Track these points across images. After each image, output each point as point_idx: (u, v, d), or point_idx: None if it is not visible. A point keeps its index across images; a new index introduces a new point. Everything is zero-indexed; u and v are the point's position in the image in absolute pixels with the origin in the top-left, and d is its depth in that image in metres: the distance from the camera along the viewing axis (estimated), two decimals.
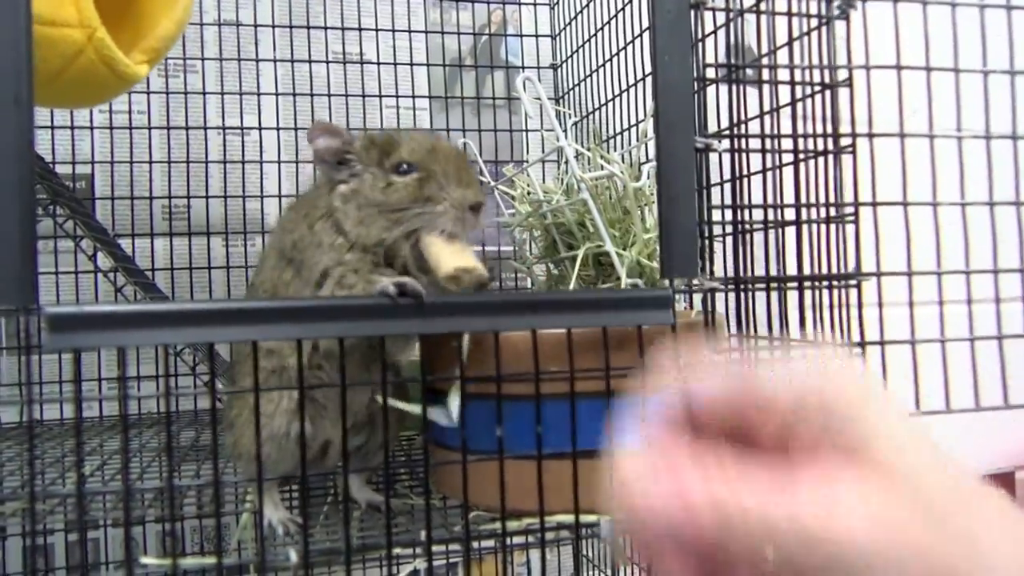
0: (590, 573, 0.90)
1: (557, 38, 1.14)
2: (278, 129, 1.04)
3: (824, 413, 0.29)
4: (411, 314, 0.44)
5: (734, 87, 0.57)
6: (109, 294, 0.91)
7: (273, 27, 1.05)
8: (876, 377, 0.34)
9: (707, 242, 0.53)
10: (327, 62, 1.07)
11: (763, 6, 0.54)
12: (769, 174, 0.56)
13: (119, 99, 0.97)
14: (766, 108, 0.57)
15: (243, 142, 1.04)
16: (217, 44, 1.03)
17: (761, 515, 0.28)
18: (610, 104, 0.97)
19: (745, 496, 0.28)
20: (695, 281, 0.51)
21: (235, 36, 1.04)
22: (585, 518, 0.48)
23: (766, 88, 0.56)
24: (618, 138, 0.96)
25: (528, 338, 0.49)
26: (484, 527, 0.48)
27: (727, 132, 0.57)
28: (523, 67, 1.15)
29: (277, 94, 1.04)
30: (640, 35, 0.88)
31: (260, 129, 1.04)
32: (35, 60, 0.47)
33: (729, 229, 0.55)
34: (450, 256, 0.52)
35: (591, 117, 1.02)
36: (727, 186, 0.55)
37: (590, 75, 1.02)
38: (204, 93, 1.01)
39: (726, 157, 0.54)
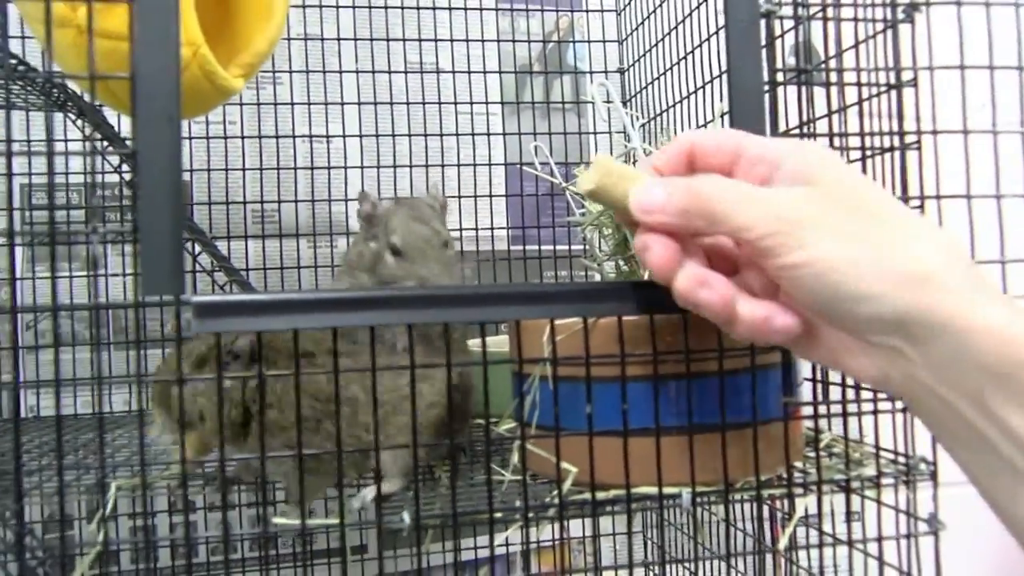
0: (673, 536, 0.93)
1: (624, 43, 1.18)
2: (360, 136, 1.10)
3: (788, 158, 0.42)
4: (507, 302, 0.49)
5: (803, 88, 0.61)
6: (210, 291, 0.98)
7: (355, 40, 1.11)
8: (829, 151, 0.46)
9: None
10: (405, 72, 1.13)
11: (830, 12, 0.57)
12: None
13: (214, 111, 1.04)
14: (834, 107, 0.61)
15: (328, 149, 1.11)
16: (302, 57, 1.10)
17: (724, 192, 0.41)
18: (677, 106, 1.00)
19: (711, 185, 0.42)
20: None
21: (318, 49, 1.11)
22: (667, 490, 0.52)
23: (834, 89, 0.59)
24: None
25: (611, 325, 0.53)
26: (574, 497, 0.53)
27: (796, 132, 0.61)
28: (591, 72, 1.20)
29: (359, 103, 1.10)
30: (707, 39, 0.92)
31: (343, 137, 1.11)
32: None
33: None
34: None
35: (658, 119, 1.06)
36: None
37: (657, 78, 1.06)
38: (292, 104, 1.08)
39: None
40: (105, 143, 0.91)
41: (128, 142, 0.95)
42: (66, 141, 0.97)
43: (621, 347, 0.52)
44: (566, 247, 1.18)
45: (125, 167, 0.93)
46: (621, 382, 0.52)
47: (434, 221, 0.77)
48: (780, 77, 0.57)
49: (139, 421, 0.45)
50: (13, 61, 0.74)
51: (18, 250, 1.03)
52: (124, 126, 0.94)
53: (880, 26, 0.57)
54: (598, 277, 1.22)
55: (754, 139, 0.44)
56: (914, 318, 0.37)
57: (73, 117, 0.89)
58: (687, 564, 0.86)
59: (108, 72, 0.48)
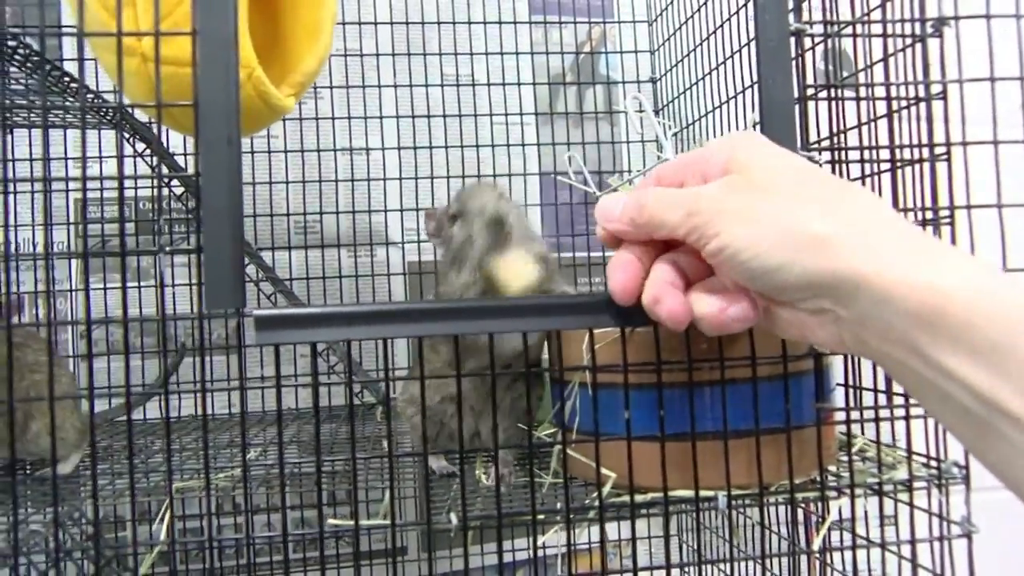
0: (708, 539, 0.95)
1: (656, 53, 1.20)
2: (399, 149, 1.14)
3: (716, 154, 0.46)
4: (549, 313, 0.51)
5: (833, 101, 0.62)
6: (255, 300, 1.02)
7: (393, 55, 1.14)
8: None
9: None
10: (441, 85, 1.16)
11: (859, 29, 0.59)
12: (868, 181, 0.61)
13: None
14: (864, 120, 0.62)
15: (367, 161, 1.14)
16: (342, 72, 1.13)
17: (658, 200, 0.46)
18: (709, 116, 1.02)
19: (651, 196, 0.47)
20: None
21: (357, 64, 1.14)
22: (704, 492, 0.54)
23: (864, 101, 0.61)
24: None
25: (648, 333, 0.55)
26: (613, 500, 0.55)
27: (827, 144, 0.62)
28: (623, 82, 1.21)
29: (398, 117, 1.13)
30: (739, 50, 0.93)
31: (383, 150, 1.14)
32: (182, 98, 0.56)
33: None
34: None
35: (691, 128, 1.08)
36: None
37: (689, 88, 1.07)
38: (333, 118, 1.11)
39: (827, 167, 0.59)
40: (155, 159, 0.95)
41: (177, 158, 0.99)
42: (120, 157, 1.01)
43: (657, 355, 0.54)
44: (600, 255, 1.20)
45: (175, 183, 0.96)
46: (658, 389, 0.54)
47: (489, 193, 0.76)
48: (810, 92, 0.59)
49: (203, 426, 0.48)
50: (66, 78, 0.78)
51: (69, 263, 1.07)
52: (173, 141, 0.98)
53: (909, 40, 0.59)
54: None
55: (701, 148, 0.49)
56: (824, 279, 0.40)
57: (128, 136, 0.93)
58: (722, 566, 0.87)
59: (169, 95, 0.51)
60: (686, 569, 0.97)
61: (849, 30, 0.63)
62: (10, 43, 0.70)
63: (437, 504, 0.60)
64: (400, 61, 1.15)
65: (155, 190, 0.98)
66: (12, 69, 0.74)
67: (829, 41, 0.59)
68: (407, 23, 1.14)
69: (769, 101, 0.57)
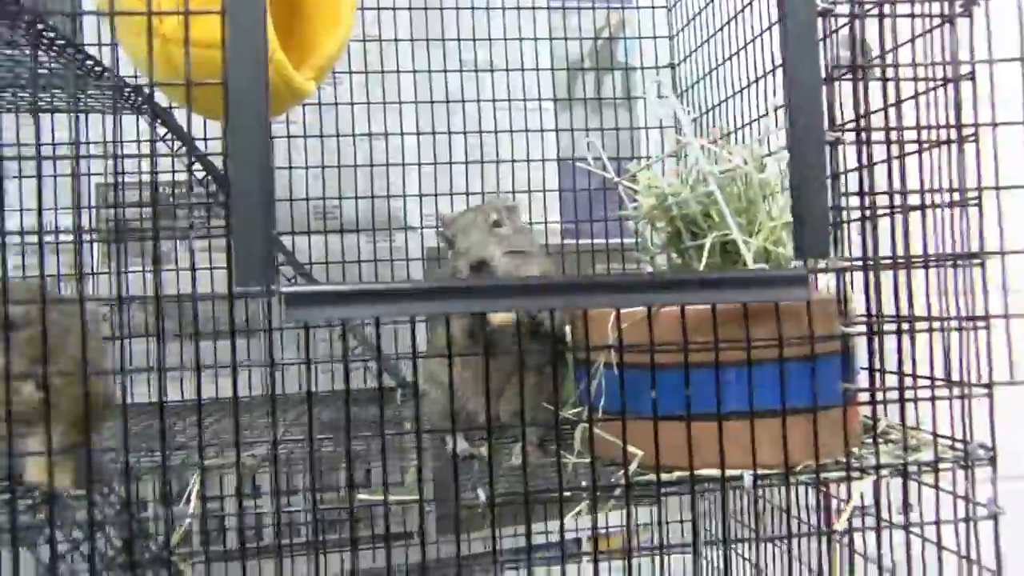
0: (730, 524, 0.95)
1: (675, 39, 1.19)
2: (418, 134, 1.14)
3: None
4: (575, 291, 0.51)
5: (859, 84, 0.62)
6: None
7: (411, 41, 1.14)
8: None
9: (838, 226, 0.58)
10: (460, 71, 1.15)
11: (887, 9, 0.58)
12: (896, 162, 0.61)
13: None
14: (891, 101, 0.62)
15: (386, 147, 1.14)
16: (360, 58, 1.13)
17: None
18: (730, 101, 1.02)
19: None
20: (827, 262, 0.56)
21: (375, 50, 1.14)
22: (729, 472, 0.54)
23: (890, 83, 0.61)
24: (738, 132, 1.01)
25: (675, 313, 0.55)
26: (639, 479, 0.55)
27: (853, 126, 0.62)
28: (642, 68, 1.21)
29: (416, 102, 1.13)
30: (761, 34, 0.93)
31: (401, 135, 1.14)
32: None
33: (857, 215, 0.60)
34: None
35: (711, 114, 1.07)
36: (855, 173, 0.60)
37: (709, 73, 1.07)
38: (352, 104, 1.12)
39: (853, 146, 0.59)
40: (179, 144, 0.95)
41: (197, 142, 1.00)
42: (152, 141, 1.01)
43: (684, 335, 0.54)
44: (617, 240, 1.19)
45: (196, 166, 0.97)
46: (684, 369, 0.54)
47: (487, 213, 0.79)
48: (836, 73, 0.58)
49: (234, 407, 0.48)
50: (89, 62, 0.78)
51: (92, 247, 1.08)
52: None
53: (937, 20, 0.59)
54: (649, 269, 1.24)
55: None
56: None
57: (148, 120, 0.93)
58: (745, 548, 0.87)
59: (193, 77, 0.52)
60: (705, 550, 0.97)
61: (875, 10, 0.62)
62: (38, 25, 0.70)
63: (464, 477, 0.60)
64: (419, 47, 1.15)
65: (185, 173, 0.99)
66: (39, 54, 0.75)
67: (855, 22, 0.59)
68: (426, 8, 1.14)
69: (796, 83, 0.56)
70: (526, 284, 0.51)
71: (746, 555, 0.94)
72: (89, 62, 0.79)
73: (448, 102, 1.14)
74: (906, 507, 0.57)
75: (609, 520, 1.11)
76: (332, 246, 1.12)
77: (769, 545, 0.87)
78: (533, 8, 1.18)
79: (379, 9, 1.12)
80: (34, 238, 0.84)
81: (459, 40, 1.14)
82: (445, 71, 1.13)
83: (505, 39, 1.15)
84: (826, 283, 0.65)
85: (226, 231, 0.49)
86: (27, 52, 0.73)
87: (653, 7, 1.21)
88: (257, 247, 0.50)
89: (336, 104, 1.11)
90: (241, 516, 0.48)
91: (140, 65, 0.73)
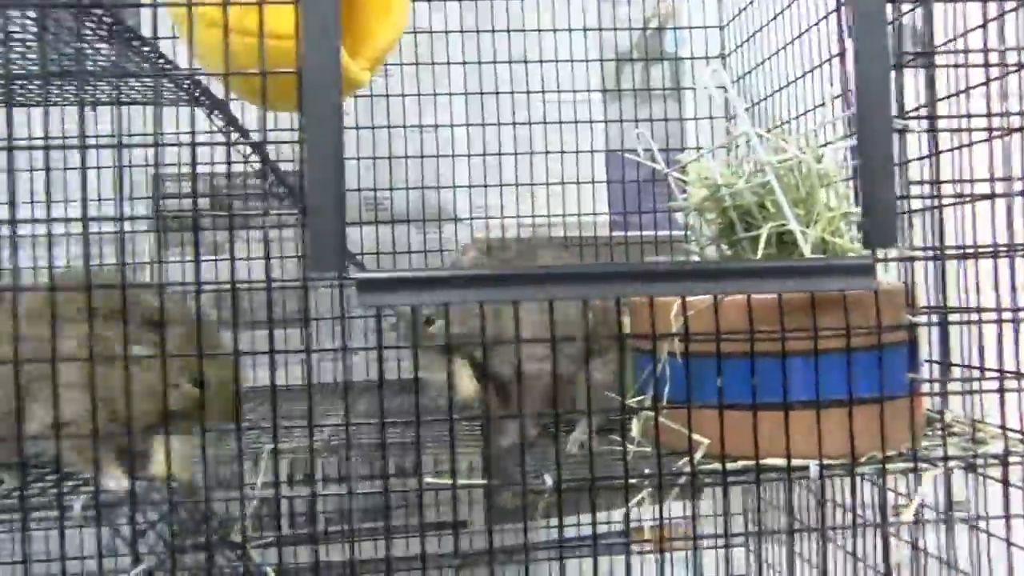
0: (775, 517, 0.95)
1: (726, 28, 1.18)
2: (467, 126, 1.14)
3: None
4: (641, 279, 0.52)
5: (925, 71, 0.61)
6: None
7: (462, 32, 1.15)
8: None
9: (906, 215, 0.58)
10: (509, 63, 1.16)
11: None
12: (964, 150, 0.60)
13: None
14: (956, 89, 0.61)
15: (436, 138, 1.15)
16: (410, 50, 1.14)
17: None
18: (784, 91, 1.01)
19: None
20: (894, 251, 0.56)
21: (425, 42, 1.15)
22: (796, 461, 0.54)
23: (960, 70, 0.60)
24: (792, 122, 1.00)
25: (741, 302, 0.55)
26: (704, 467, 0.55)
27: (918, 113, 0.61)
28: (692, 58, 1.20)
29: (466, 94, 1.14)
30: (816, 23, 0.92)
31: (451, 127, 1.15)
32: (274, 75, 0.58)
33: (926, 203, 0.59)
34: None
35: (763, 104, 1.06)
36: (923, 161, 0.60)
37: (761, 63, 1.06)
38: (403, 96, 1.13)
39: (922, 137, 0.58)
40: (237, 135, 0.97)
41: (253, 134, 1.01)
42: (193, 133, 1.03)
43: (751, 325, 0.54)
44: (666, 232, 1.19)
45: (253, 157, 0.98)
46: (750, 358, 0.54)
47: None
48: (904, 60, 0.58)
49: (308, 392, 0.49)
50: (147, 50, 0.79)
51: (146, 234, 1.10)
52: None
53: (1013, 3, 0.58)
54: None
55: None
56: None
57: (207, 111, 0.95)
58: (807, 538, 0.87)
59: (251, 65, 0.53)
60: (758, 542, 0.97)
61: None
62: (96, 11, 0.72)
63: (530, 464, 0.60)
64: (468, 38, 1.15)
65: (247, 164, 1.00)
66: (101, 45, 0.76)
67: (922, 9, 0.58)
68: (476, 0, 1.14)
69: (864, 71, 0.56)
70: (593, 272, 0.52)
71: (800, 549, 0.93)
72: (146, 49, 0.81)
73: (497, 93, 1.14)
74: (977, 502, 0.57)
75: (643, 514, 1.11)
76: (382, 236, 1.13)
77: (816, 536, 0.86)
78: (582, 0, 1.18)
79: (428, 1, 1.13)
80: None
81: (509, 31, 1.14)
82: (495, 62, 1.14)
83: (555, 30, 1.15)
84: (894, 272, 0.65)
85: (300, 219, 0.50)
86: (97, 46, 0.75)
87: None
88: (330, 234, 0.50)
89: (387, 96, 1.12)
90: (314, 500, 0.49)
91: (201, 58, 0.74)
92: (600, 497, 0.52)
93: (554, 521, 1.13)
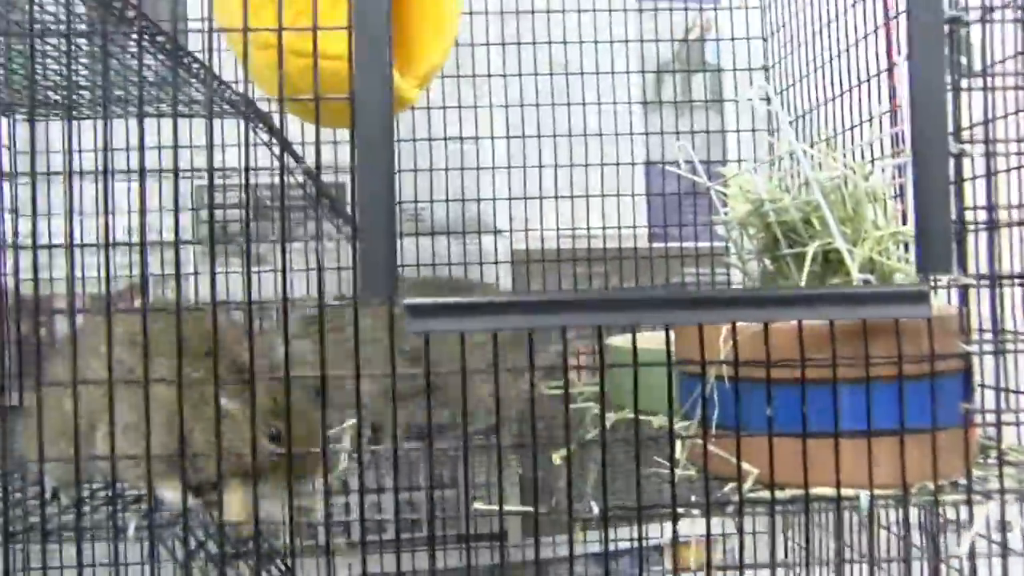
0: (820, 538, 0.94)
1: (769, 40, 1.17)
2: (508, 138, 1.14)
3: None
4: (689, 306, 0.51)
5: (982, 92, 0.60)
6: None
7: (503, 45, 1.15)
8: None
9: (961, 240, 0.57)
10: (550, 74, 1.16)
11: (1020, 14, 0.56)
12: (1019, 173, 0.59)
13: None
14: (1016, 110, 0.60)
15: (477, 150, 1.15)
16: (450, 62, 1.14)
17: None
18: (829, 104, 1.00)
19: None
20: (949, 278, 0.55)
21: (466, 55, 1.15)
22: (845, 491, 0.53)
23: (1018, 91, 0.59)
24: (837, 137, 0.99)
25: (791, 328, 0.54)
26: (753, 495, 0.54)
27: (973, 135, 0.60)
28: (734, 69, 1.19)
29: (507, 106, 1.14)
30: (865, 36, 0.91)
31: (492, 139, 1.15)
32: (332, 90, 0.58)
33: (981, 227, 0.58)
34: None
35: (807, 117, 1.05)
36: (980, 183, 0.59)
37: (806, 76, 1.05)
38: (444, 108, 1.13)
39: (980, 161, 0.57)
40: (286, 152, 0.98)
41: (296, 146, 1.02)
42: (241, 145, 1.05)
43: (801, 352, 0.53)
44: (706, 244, 1.18)
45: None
46: (801, 386, 0.53)
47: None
48: (963, 82, 0.57)
49: (357, 402, 0.50)
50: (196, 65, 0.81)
51: (189, 248, 1.12)
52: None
53: None
54: (738, 276, 1.23)
55: None
56: None
57: (254, 125, 0.96)
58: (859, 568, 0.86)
59: (305, 87, 0.54)
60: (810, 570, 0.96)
61: (999, 15, 0.60)
62: (151, 32, 0.73)
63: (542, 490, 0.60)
64: (510, 51, 1.15)
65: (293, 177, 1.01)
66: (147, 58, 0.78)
67: (985, 28, 0.57)
68: (517, 12, 1.14)
69: (921, 92, 0.55)
70: (644, 299, 0.51)
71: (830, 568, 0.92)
72: (196, 66, 0.83)
73: (537, 105, 1.14)
74: None
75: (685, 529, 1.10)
76: (422, 248, 1.14)
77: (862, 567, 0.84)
78: (625, 10, 1.17)
79: (472, 13, 1.13)
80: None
81: (550, 43, 1.14)
82: (535, 74, 1.14)
83: (596, 42, 1.15)
84: (945, 294, 0.64)
85: (352, 241, 0.50)
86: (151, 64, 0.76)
87: (747, 7, 1.19)
88: (381, 258, 0.51)
89: (428, 108, 1.13)
90: (362, 510, 0.50)
91: (256, 75, 0.75)
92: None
93: (592, 535, 1.13)
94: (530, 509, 0.51)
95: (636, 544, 0.85)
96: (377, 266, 0.51)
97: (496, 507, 0.50)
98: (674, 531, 0.51)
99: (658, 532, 1.11)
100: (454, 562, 1.07)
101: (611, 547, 1.12)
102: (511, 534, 1.15)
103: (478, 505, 0.52)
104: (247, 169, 0.54)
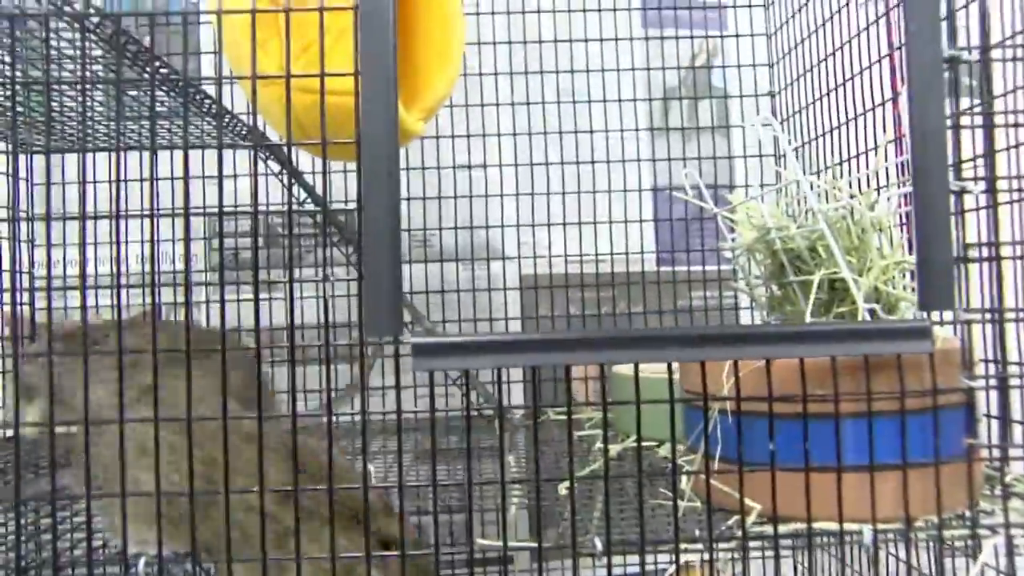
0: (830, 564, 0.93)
1: (775, 67, 1.18)
2: (516, 166, 1.15)
3: None
4: (692, 343, 0.52)
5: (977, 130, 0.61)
6: None
7: (511, 74, 1.17)
8: None
9: (963, 274, 0.57)
10: (557, 102, 1.17)
11: (1020, 52, 0.57)
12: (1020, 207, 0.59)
13: None
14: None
15: (486, 177, 1.16)
16: (459, 91, 1.16)
17: None
18: (833, 132, 1.00)
19: None
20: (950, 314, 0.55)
21: (474, 84, 1.16)
22: (849, 525, 0.54)
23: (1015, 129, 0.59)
24: (842, 165, 0.99)
25: (793, 364, 0.55)
26: (755, 529, 0.55)
27: (977, 171, 0.61)
28: (741, 96, 1.20)
29: (515, 134, 1.15)
30: (870, 66, 0.91)
31: (500, 167, 1.16)
32: (339, 127, 0.59)
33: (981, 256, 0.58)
34: None
35: (814, 144, 1.06)
36: (983, 216, 0.59)
37: (812, 103, 1.06)
38: (452, 137, 1.14)
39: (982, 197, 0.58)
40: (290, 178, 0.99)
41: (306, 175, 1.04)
42: (253, 175, 1.06)
43: (803, 387, 0.53)
44: (713, 267, 1.19)
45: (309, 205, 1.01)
46: (803, 420, 0.53)
47: None
48: (962, 120, 0.57)
49: (363, 428, 0.50)
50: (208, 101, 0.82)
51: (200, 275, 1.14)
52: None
53: None
54: (745, 300, 1.23)
55: None
56: None
57: (264, 156, 0.98)
58: None
59: (312, 122, 0.55)
60: None
61: (998, 53, 0.61)
62: (163, 70, 0.75)
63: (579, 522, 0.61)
64: (518, 80, 1.17)
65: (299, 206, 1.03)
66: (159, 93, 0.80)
67: (984, 68, 0.58)
68: (524, 42, 1.16)
69: (921, 130, 0.56)
70: (649, 336, 0.52)
71: None
72: (207, 101, 0.84)
73: (546, 134, 1.15)
74: None
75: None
76: (432, 275, 1.15)
77: None
78: (631, 39, 1.19)
79: (480, 44, 1.15)
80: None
81: (557, 72, 1.15)
82: (543, 103, 1.15)
83: (603, 70, 1.16)
84: (948, 332, 0.64)
85: (358, 280, 0.51)
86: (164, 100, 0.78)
87: (752, 35, 1.20)
88: (386, 299, 0.52)
89: (437, 137, 1.14)
90: (367, 547, 0.50)
91: (264, 111, 0.76)
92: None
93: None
94: (534, 545, 0.51)
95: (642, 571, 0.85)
96: (382, 308, 0.51)
97: (500, 544, 0.51)
98: (676, 565, 0.51)
99: (666, 559, 1.11)
100: None
101: (618, 572, 1.12)
102: (518, 560, 1.15)
103: (481, 541, 0.52)
104: (255, 196, 0.55)
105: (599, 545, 0.52)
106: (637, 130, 1.18)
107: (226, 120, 0.87)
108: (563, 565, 1.11)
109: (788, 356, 0.53)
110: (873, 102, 0.91)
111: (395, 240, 0.52)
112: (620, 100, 1.17)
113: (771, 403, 0.53)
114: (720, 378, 0.59)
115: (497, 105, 1.16)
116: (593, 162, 1.16)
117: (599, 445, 0.78)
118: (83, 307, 0.54)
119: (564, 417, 0.76)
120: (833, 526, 0.54)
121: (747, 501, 0.55)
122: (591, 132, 1.17)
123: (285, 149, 0.97)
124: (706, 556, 0.52)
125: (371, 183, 0.52)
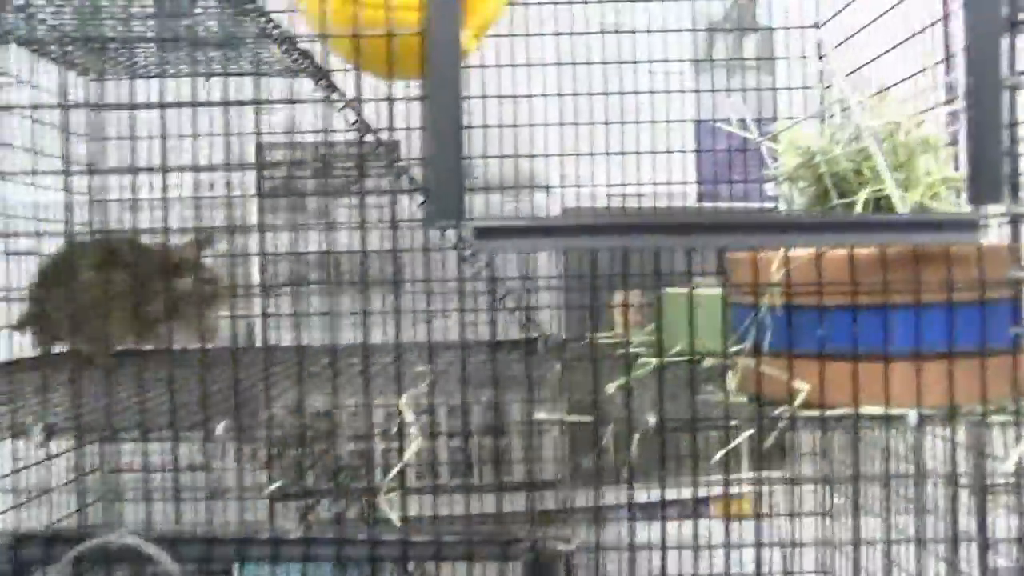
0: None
1: None
2: (559, 96, 1.16)
3: None
4: (747, 230, 0.53)
5: None
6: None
7: (555, 3, 1.17)
8: None
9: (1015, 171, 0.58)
10: (602, 33, 1.17)
11: None
12: None
13: None
14: None
15: (530, 108, 1.17)
16: (503, 19, 1.16)
17: None
18: (882, 58, 1.00)
19: None
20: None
21: (515, 12, 1.17)
22: (894, 411, 0.55)
23: None
24: (889, 90, 0.99)
25: (842, 256, 0.57)
26: (804, 413, 0.57)
27: None
28: (785, 27, 1.20)
29: (559, 64, 1.16)
30: None
31: (544, 96, 1.16)
32: (395, 41, 0.61)
33: None
34: None
35: (860, 71, 1.06)
36: None
37: (858, 32, 1.05)
38: (498, 66, 1.15)
39: None
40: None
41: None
42: (291, 102, 1.09)
43: (852, 276, 0.55)
44: (755, 204, 1.19)
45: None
46: (852, 310, 0.55)
47: None
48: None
49: (428, 351, 0.53)
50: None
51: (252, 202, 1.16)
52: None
53: None
54: None
55: None
56: None
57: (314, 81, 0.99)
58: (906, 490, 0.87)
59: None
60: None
61: None
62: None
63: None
64: (562, 10, 1.17)
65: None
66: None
67: None
68: None
69: (974, 24, 0.56)
70: (699, 222, 0.54)
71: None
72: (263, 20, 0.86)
73: (588, 64, 1.16)
74: None
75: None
76: (475, 205, 1.17)
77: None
78: None
79: None
80: None
81: (602, 1, 1.16)
82: (586, 33, 1.15)
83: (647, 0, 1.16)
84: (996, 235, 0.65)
85: (392, 183, 0.53)
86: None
87: None
88: (450, 182, 0.54)
89: (483, 67, 1.15)
90: (434, 452, 0.53)
91: (319, 28, 0.78)
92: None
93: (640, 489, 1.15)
94: (588, 418, 0.54)
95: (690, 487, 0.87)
96: (446, 191, 0.54)
97: (558, 416, 0.53)
98: (725, 440, 0.53)
99: (706, 487, 1.13)
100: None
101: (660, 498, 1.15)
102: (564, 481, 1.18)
103: (541, 415, 0.55)
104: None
105: (651, 421, 0.54)
106: (681, 60, 1.18)
107: (287, 48, 0.89)
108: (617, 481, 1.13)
109: (836, 244, 0.55)
110: (920, 24, 0.90)
111: (457, 126, 0.54)
112: (664, 31, 1.17)
113: (821, 293, 0.55)
114: (768, 272, 0.61)
115: (541, 35, 1.17)
116: (637, 92, 1.16)
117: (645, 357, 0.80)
118: None
119: (610, 340, 0.78)
120: (879, 410, 0.56)
121: (796, 383, 0.56)
122: (634, 63, 1.17)
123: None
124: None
125: (436, 71, 0.54)
